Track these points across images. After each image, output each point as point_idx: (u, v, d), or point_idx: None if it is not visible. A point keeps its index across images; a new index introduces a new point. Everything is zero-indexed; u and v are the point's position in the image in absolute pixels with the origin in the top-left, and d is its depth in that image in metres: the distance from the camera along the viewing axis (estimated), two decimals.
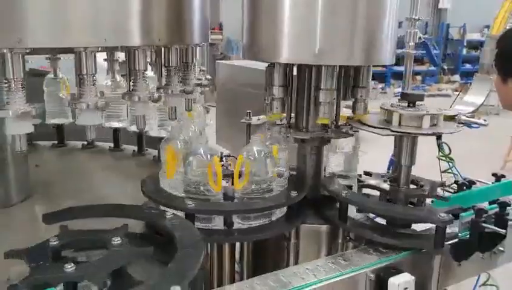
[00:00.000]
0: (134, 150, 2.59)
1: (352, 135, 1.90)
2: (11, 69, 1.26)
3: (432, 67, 16.46)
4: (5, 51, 1.23)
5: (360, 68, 1.88)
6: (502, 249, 1.74)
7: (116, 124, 2.53)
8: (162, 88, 1.76)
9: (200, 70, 2.43)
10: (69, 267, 1.10)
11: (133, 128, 2.51)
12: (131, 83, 1.57)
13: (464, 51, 17.75)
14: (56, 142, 2.64)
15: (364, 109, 1.90)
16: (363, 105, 1.90)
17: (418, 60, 15.32)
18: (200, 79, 2.03)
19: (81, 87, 1.39)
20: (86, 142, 2.65)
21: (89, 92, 1.39)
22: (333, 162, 1.97)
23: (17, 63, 1.26)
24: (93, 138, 1.48)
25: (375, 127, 1.75)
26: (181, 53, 1.76)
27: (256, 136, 1.74)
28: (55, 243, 1.22)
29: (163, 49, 1.70)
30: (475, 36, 17.07)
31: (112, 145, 2.62)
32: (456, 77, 17.12)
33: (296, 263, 1.77)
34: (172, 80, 1.74)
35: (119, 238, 1.23)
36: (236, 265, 1.81)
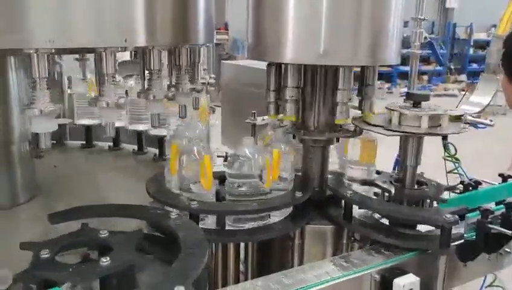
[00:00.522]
0: (155, 154, 2.56)
1: (354, 136, 1.89)
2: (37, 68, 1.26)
3: (439, 67, 16.37)
4: (31, 51, 1.23)
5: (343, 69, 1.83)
6: (508, 250, 1.73)
7: (140, 127, 2.52)
8: (143, 92, 1.67)
9: (203, 69, 2.43)
10: (105, 261, 1.13)
11: (155, 132, 2.50)
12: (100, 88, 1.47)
13: (471, 51, 17.65)
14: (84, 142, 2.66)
15: (370, 108, 1.87)
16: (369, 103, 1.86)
17: (425, 60, 15.25)
18: (203, 83, 2.02)
19: (34, 92, 1.30)
20: (112, 144, 2.65)
21: (42, 98, 1.29)
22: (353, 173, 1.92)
23: (43, 62, 1.26)
24: (48, 145, 1.37)
25: (380, 127, 1.74)
26: (170, 55, 1.71)
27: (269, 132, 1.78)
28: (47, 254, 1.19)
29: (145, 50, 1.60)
30: (482, 36, 16.96)
31: (135, 147, 2.62)
32: (463, 77, 17.03)
33: (301, 263, 1.77)
34: (154, 84, 1.63)
35: (105, 231, 1.28)
36: (240, 265, 1.81)
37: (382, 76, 14.66)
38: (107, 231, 1.28)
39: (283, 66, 1.85)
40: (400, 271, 1.47)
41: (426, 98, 1.80)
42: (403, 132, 1.74)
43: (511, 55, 1.64)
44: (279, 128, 1.91)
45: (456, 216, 1.53)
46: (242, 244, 1.78)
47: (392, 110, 1.78)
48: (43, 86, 1.29)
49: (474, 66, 17.00)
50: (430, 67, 16.64)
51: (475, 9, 16.13)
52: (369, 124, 1.80)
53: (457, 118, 1.87)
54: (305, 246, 1.77)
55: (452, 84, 16.53)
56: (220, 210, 1.64)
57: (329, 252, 1.79)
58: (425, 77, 16.46)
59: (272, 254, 1.85)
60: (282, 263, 1.79)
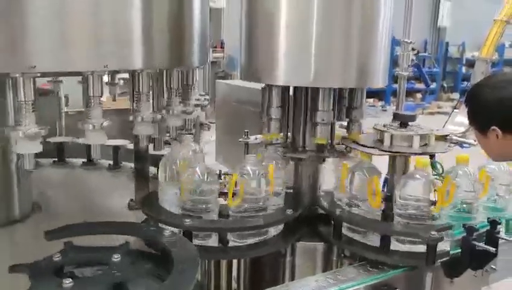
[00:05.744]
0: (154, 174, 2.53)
1: (345, 155, 1.94)
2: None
3: (432, 85, 16.55)
4: (17, 75, 1.27)
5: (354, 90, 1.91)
6: (494, 267, 1.77)
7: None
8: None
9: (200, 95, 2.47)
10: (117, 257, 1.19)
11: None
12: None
13: (463, 69, 17.88)
14: (112, 161, 2.65)
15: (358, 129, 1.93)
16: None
17: (418, 78, 15.43)
18: (198, 99, 2.07)
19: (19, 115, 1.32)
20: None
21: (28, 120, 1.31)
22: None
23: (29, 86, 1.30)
24: (32, 167, 1.41)
25: (368, 147, 1.80)
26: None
27: (251, 155, 1.79)
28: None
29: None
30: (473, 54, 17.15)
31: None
32: (456, 95, 17.20)
33: (292, 279, 1.80)
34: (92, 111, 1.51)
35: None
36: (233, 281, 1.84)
37: (376, 94, 14.79)
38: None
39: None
40: (387, 287, 1.51)
41: (412, 118, 1.87)
42: (391, 152, 1.80)
43: (474, 112, 1.67)
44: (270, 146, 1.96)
45: (442, 233, 1.58)
46: (234, 261, 1.81)
47: (380, 130, 1.84)
48: (29, 109, 1.32)
49: (466, 84, 17.15)
50: (423, 86, 16.78)
51: (467, 28, 16.39)
52: (359, 144, 1.86)
53: (443, 138, 1.93)
54: (296, 262, 1.81)
55: (445, 102, 16.68)
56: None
57: (320, 268, 1.82)
58: (419, 95, 16.61)
59: (264, 271, 1.88)
60: (274, 279, 1.82)
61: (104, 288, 1.17)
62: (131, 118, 1.63)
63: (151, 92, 1.67)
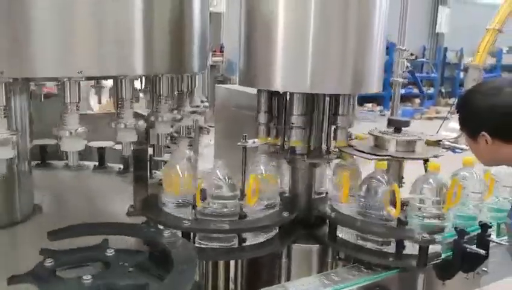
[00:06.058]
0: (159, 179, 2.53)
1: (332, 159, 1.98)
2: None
3: (430, 90, 16.63)
4: None
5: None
6: (485, 269, 1.81)
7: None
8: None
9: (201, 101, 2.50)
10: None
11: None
12: None
13: (461, 75, 17.96)
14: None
15: (345, 137, 1.95)
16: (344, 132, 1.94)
17: (415, 84, 15.52)
18: (198, 106, 2.10)
19: None
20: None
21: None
22: None
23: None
24: (3, 171, 1.39)
25: (363, 152, 1.84)
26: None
27: (262, 156, 1.85)
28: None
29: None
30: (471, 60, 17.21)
31: None
32: (454, 100, 17.26)
33: (288, 280, 1.83)
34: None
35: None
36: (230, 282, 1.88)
37: (374, 99, 14.86)
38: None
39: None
40: (380, 288, 1.55)
41: (406, 124, 1.91)
42: (385, 156, 1.84)
43: (465, 118, 1.69)
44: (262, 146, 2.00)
45: (433, 236, 1.62)
46: (232, 262, 1.85)
47: (377, 136, 1.88)
48: (0, 114, 1.32)
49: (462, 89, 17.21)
50: None
51: (465, 34, 16.49)
52: (353, 149, 1.91)
53: (436, 143, 1.98)
54: (292, 264, 1.85)
55: (443, 108, 16.74)
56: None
57: (315, 270, 1.86)
58: (417, 100, 16.69)
59: (261, 271, 1.92)
60: (270, 280, 1.85)
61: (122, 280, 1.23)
62: (113, 124, 1.61)
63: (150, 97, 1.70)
